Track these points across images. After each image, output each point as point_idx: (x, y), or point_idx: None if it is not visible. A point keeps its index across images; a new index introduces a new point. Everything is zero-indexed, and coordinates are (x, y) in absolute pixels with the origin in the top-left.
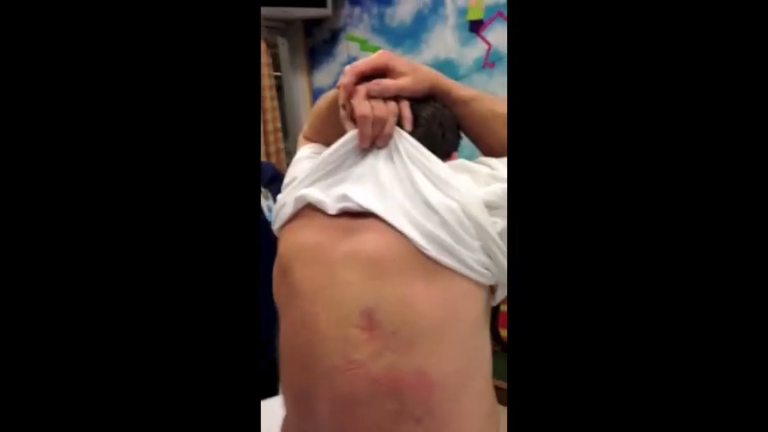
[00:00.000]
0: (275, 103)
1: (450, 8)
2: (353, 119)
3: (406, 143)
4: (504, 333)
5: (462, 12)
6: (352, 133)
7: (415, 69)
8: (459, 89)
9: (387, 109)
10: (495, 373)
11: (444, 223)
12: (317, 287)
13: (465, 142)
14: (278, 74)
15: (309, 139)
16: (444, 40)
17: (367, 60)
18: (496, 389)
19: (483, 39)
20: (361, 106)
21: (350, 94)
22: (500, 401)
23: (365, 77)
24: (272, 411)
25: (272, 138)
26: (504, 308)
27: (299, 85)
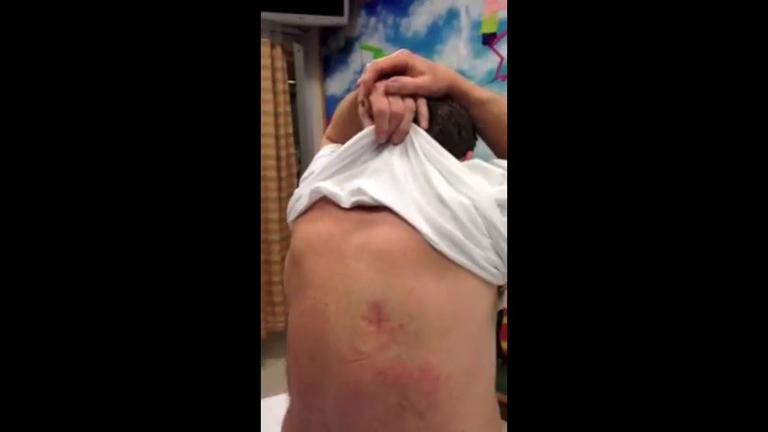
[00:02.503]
0: (288, 108)
1: (464, 20)
2: (371, 115)
3: (422, 140)
4: (505, 345)
5: (476, 24)
6: (368, 129)
7: (433, 69)
8: (476, 91)
9: (404, 105)
10: (496, 387)
11: (456, 218)
12: (329, 278)
13: (480, 146)
14: (292, 81)
15: (331, 140)
16: (458, 52)
17: (387, 58)
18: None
19: (496, 51)
20: (379, 102)
21: (369, 91)
22: (501, 416)
23: (385, 75)
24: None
25: (283, 142)
26: (506, 320)
27: (311, 93)
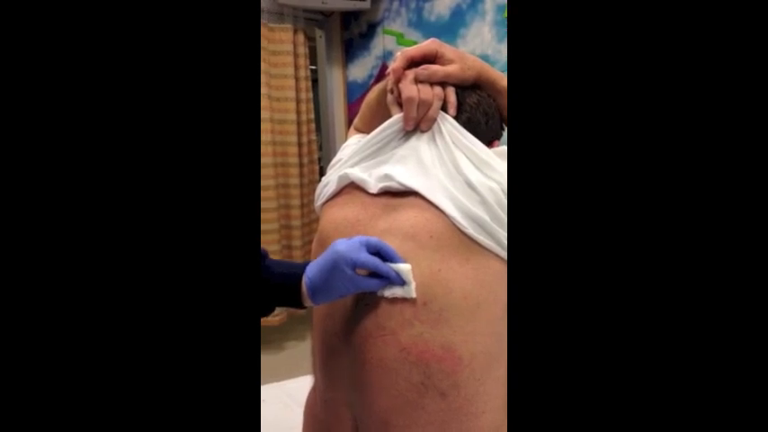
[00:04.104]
0: (309, 94)
1: (488, 4)
2: (400, 102)
3: (450, 126)
4: None
5: (501, 8)
6: (396, 117)
7: (462, 58)
8: (505, 80)
9: (433, 93)
10: None
11: (484, 202)
12: None
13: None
14: (313, 67)
15: (359, 130)
16: (482, 36)
17: (418, 47)
18: None
19: None
20: (408, 89)
21: (398, 78)
22: None
23: (414, 64)
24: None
25: (304, 128)
26: None
27: (333, 78)
